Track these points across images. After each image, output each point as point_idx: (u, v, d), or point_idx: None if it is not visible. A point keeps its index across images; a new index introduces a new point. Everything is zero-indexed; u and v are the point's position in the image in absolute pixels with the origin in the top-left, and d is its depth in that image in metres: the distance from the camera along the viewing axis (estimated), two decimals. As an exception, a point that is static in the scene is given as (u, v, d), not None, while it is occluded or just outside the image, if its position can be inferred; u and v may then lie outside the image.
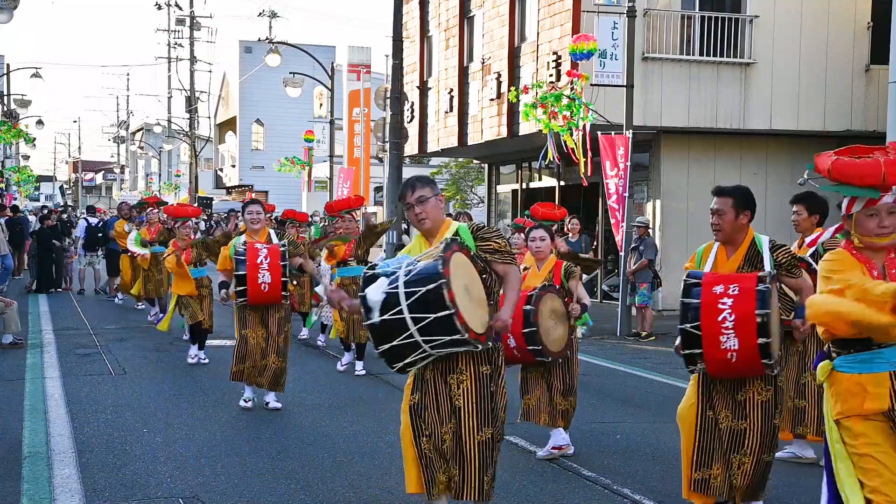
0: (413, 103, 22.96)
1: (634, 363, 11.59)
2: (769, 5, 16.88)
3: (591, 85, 14.61)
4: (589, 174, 14.42)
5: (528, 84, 16.11)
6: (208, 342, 11.20)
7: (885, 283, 3.63)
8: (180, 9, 46.38)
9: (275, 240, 8.36)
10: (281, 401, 8.35)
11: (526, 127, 16.77)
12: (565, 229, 14.14)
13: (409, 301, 4.28)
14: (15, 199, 38.09)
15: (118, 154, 75.62)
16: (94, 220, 20.26)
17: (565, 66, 15.56)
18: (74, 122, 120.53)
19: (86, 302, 18.19)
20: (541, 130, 14.83)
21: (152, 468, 6.27)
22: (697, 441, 5.01)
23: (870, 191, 3.84)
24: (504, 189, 23.63)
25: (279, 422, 7.83)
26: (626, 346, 13.29)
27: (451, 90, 21.05)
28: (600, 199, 17.65)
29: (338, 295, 4.91)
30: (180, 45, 47.19)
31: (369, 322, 4.38)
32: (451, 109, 21.01)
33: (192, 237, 11.66)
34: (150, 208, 14.78)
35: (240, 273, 7.90)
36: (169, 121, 51.65)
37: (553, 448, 6.67)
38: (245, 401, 8.30)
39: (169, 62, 50.15)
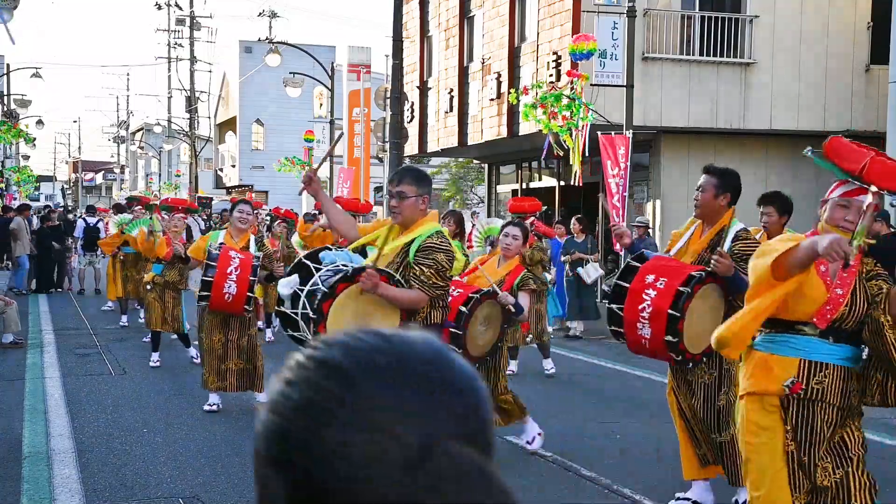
0: (413, 103, 22.96)
1: (634, 363, 11.57)
2: (769, 5, 16.88)
3: (591, 85, 14.61)
4: (588, 174, 14.42)
5: (528, 84, 16.11)
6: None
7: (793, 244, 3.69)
8: (180, 9, 46.35)
9: (253, 248, 8.13)
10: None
11: (526, 127, 16.77)
12: (571, 230, 14.15)
13: (302, 310, 4.95)
14: (15, 198, 38.08)
15: (118, 154, 75.57)
16: (92, 220, 20.26)
17: (565, 66, 15.56)
18: (74, 122, 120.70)
19: (86, 302, 18.19)
20: (541, 130, 14.84)
21: (152, 468, 6.27)
22: (680, 422, 5.35)
23: (846, 174, 3.88)
24: (504, 189, 23.62)
25: (279, 422, 7.82)
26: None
27: (451, 90, 21.05)
28: (600, 199, 17.65)
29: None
30: (180, 45, 47.16)
31: (279, 309, 5.17)
32: (451, 109, 21.01)
33: (182, 232, 11.29)
34: (174, 212, 13.90)
35: (207, 278, 7.74)
36: (169, 121, 51.63)
37: (527, 441, 6.78)
38: (209, 404, 8.15)
39: (169, 62, 50.12)
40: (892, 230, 10.20)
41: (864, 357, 3.98)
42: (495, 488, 0.84)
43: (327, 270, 4.94)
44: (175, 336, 11.14)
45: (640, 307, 4.92)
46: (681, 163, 17.14)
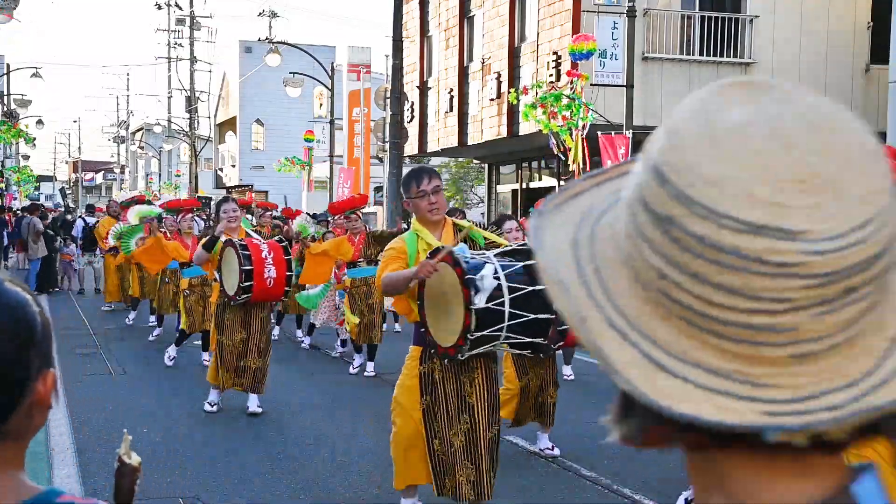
0: (413, 103, 22.97)
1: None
2: (769, 5, 16.89)
3: (591, 85, 14.61)
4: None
5: (528, 84, 16.12)
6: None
7: None
8: (180, 9, 46.36)
9: (253, 236, 8.21)
10: (268, 404, 8.15)
11: (526, 127, 16.78)
12: None
13: (511, 295, 4.30)
14: (15, 198, 38.09)
15: (118, 154, 75.56)
16: (91, 220, 20.25)
17: (565, 66, 15.56)
18: (74, 122, 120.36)
19: (86, 302, 18.18)
20: (541, 130, 14.84)
21: (152, 468, 6.27)
22: None
23: None
24: (504, 189, 23.62)
25: (279, 422, 7.82)
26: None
27: (451, 90, 21.05)
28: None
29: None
30: (180, 45, 47.17)
31: (474, 306, 4.24)
32: (451, 109, 21.01)
33: (194, 231, 11.50)
34: (184, 213, 13.66)
35: (246, 268, 7.51)
36: (169, 121, 51.63)
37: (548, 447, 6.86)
38: (210, 404, 8.12)
39: (169, 62, 50.13)
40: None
41: None
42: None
43: (497, 259, 4.40)
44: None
45: None
46: (681, 163, 17.11)
